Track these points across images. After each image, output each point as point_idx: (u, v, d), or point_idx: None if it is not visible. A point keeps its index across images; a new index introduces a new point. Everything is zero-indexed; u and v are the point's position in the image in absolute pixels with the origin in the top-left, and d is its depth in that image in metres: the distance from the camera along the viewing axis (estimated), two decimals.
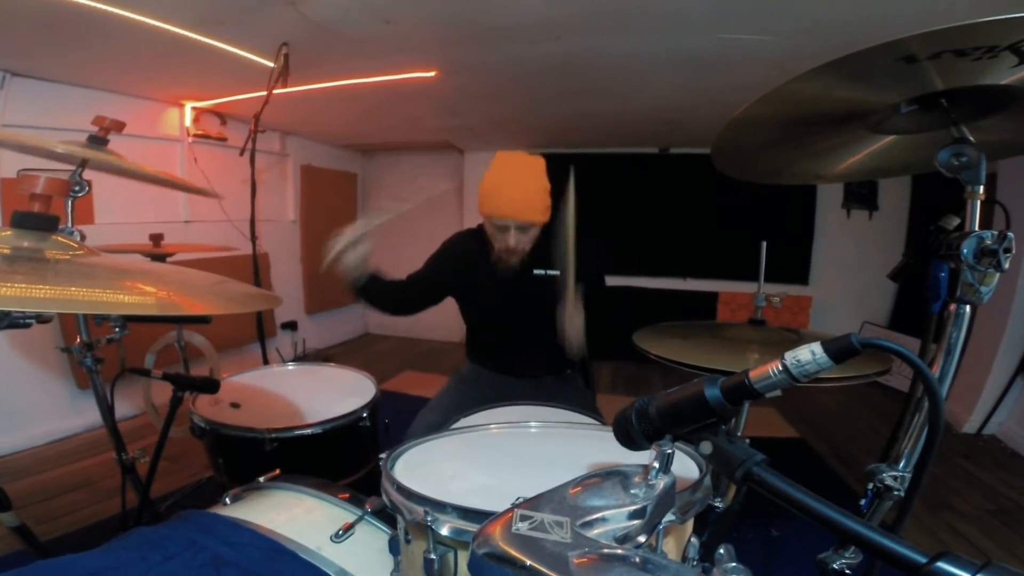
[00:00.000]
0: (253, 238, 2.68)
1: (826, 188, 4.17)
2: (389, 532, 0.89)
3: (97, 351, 1.41)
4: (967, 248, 0.70)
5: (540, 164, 1.57)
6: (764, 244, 1.39)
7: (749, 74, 2.26)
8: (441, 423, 1.44)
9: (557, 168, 1.58)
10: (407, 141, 4.75)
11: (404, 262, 1.69)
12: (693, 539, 0.76)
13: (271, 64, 2.28)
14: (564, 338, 1.45)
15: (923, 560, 0.39)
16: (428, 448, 0.98)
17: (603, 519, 0.50)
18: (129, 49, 2.19)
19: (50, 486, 2.19)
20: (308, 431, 1.36)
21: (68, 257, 0.81)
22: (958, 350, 0.75)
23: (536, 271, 1.63)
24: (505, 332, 1.71)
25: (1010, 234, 0.69)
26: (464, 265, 1.68)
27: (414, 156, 5.13)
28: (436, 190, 1.51)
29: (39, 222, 0.82)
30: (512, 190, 1.51)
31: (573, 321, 1.44)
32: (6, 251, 0.77)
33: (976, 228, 0.72)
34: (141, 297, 0.75)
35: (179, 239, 2.67)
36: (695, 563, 0.74)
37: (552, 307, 1.63)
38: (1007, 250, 0.69)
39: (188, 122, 3.31)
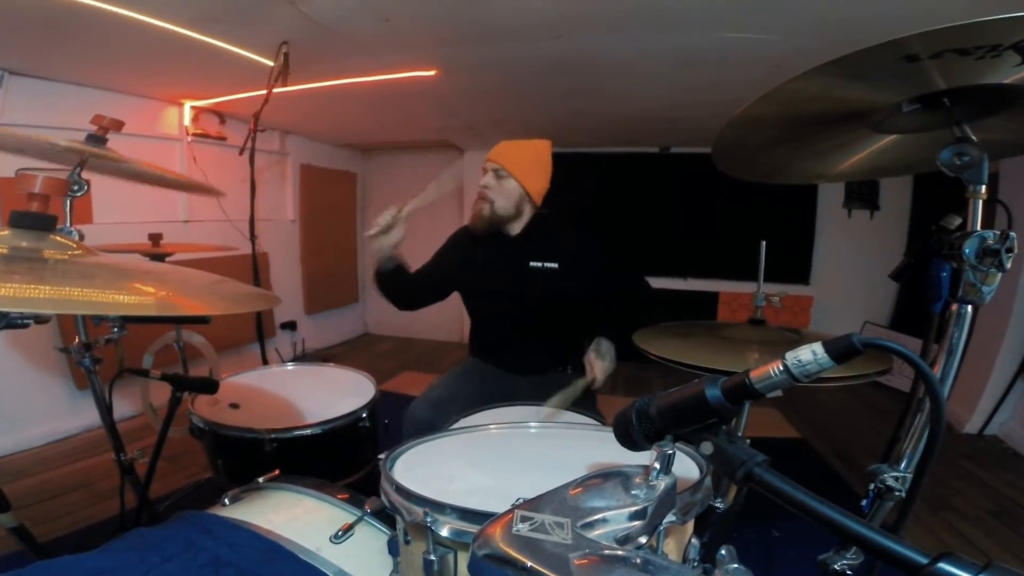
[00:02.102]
0: (252, 238, 2.68)
1: (827, 187, 4.16)
2: (388, 533, 0.89)
3: (95, 351, 1.41)
4: (969, 248, 0.70)
5: (544, 144, 1.67)
6: (763, 244, 1.39)
7: (750, 73, 2.25)
8: (437, 410, 1.47)
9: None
10: (407, 140, 4.75)
11: (406, 259, 1.69)
12: (694, 540, 0.76)
13: (271, 63, 2.28)
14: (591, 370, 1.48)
15: (924, 561, 0.39)
16: (427, 449, 0.97)
17: (604, 520, 0.50)
18: (128, 48, 2.19)
19: (48, 487, 2.19)
20: (307, 431, 1.36)
21: (66, 257, 0.81)
22: (960, 350, 0.75)
23: (533, 263, 1.63)
24: (503, 325, 1.72)
25: (1012, 234, 0.69)
26: (465, 257, 1.70)
27: (414, 155, 5.12)
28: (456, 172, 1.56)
29: (37, 222, 0.82)
30: (505, 145, 1.64)
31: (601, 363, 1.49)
32: (4, 251, 0.76)
33: (978, 228, 0.72)
34: (140, 297, 0.75)
35: (178, 239, 2.66)
36: (696, 564, 0.74)
37: (549, 300, 1.63)
38: (1009, 250, 0.69)
39: (187, 121, 3.30)
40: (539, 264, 1.63)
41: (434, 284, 1.73)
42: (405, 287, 1.65)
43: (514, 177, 1.59)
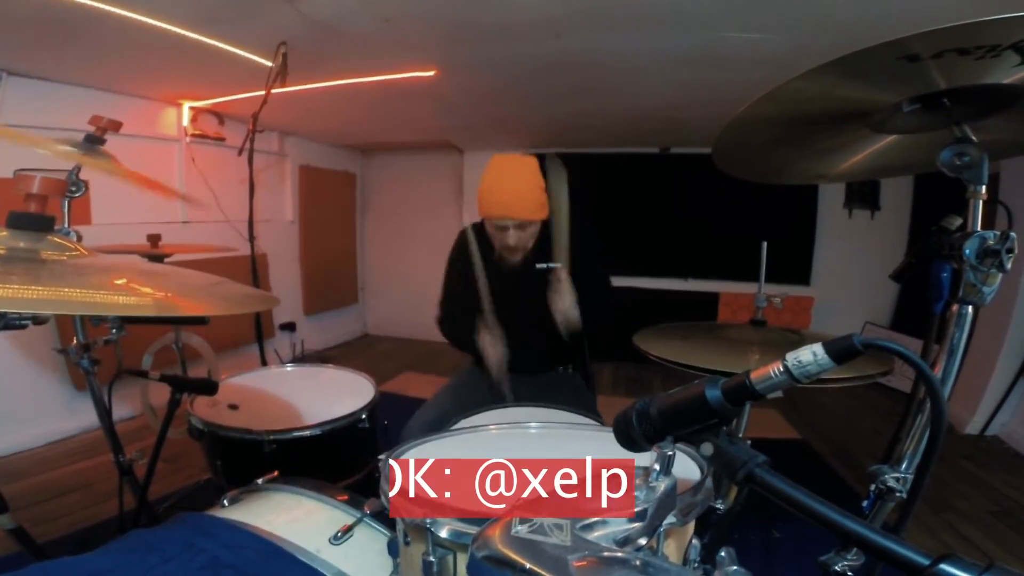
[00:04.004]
0: (251, 238, 2.68)
1: (828, 188, 4.16)
2: (388, 534, 0.88)
3: (94, 352, 1.41)
4: (969, 248, 0.70)
5: (533, 163, 1.62)
6: (764, 244, 1.39)
7: (750, 73, 2.25)
8: (437, 422, 1.45)
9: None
10: (406, 141, 4.75)
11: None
12: (694, 541, 0.75)
13: (269, 63, 2.28)
14: (557, 313, 1.53)
15: (926, 562, 0.38)
16: (427, 450, 0.97)
17: (603, 522, 0.50)
18: (126, 48, 2.19)
19: (47, 488, 2.18)
20: (307, 433, 1.36)
21: (64, 258, 0.80)
22: (960, 351, 0.75)
23: (538, 265, 1.65)
24: (506, 324, 1.71)
25: (1012, 234, 0.68)
26: (469, 259, 1.70)
27: (413, 156, 5.12)
28: None
29: (35, 223, 0.82)
30: (507, 191, 1.57)
31: (563, 297, 1.54)
32: (2, 252, 0.76)
33: (979, 228, 0.72)
34: (139, 298, 0.74)
35: (177, 240, 2.66)
36: (696, 565, 0.74)
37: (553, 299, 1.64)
38: (1009, 250, 0.68)
39: (186, 122, 3.30)
40: (543, 266, 1.65)
41: (467, 298, 1.74)
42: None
43: (533, 221, 1.60)
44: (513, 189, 1.58)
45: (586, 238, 1.70)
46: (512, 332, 1.69)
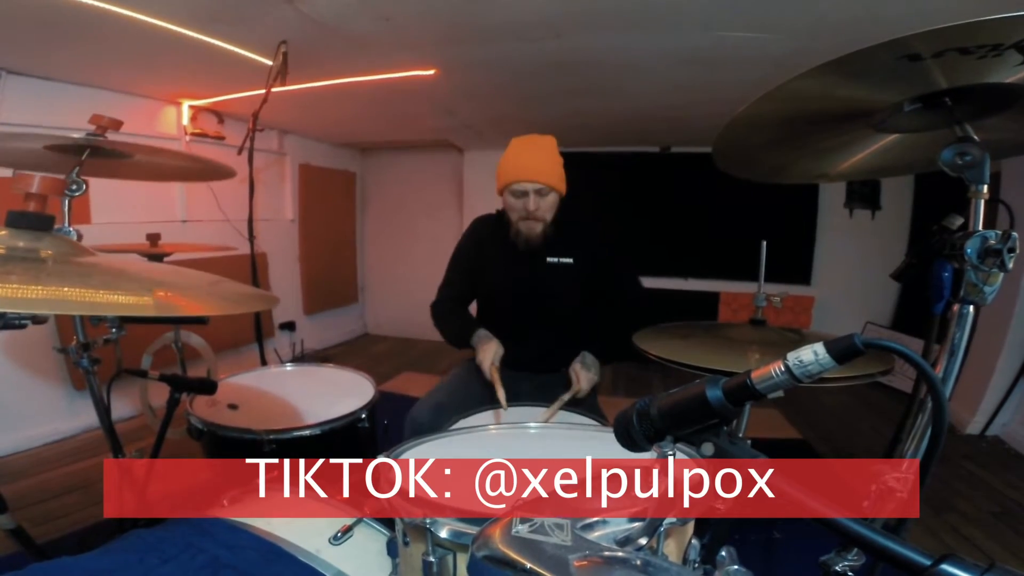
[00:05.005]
0: (251, 238, 2.68)
1: (828, 187, 4.16)
2: (387, 534, 0.88)
3: (94, 352, 1.40)
4: (971, 248, 0.70)
5: (552, 140, 1.65)
6: (764, 244, 1.38)
7: (751, 72, 2.25)
8: (438, 413, 1.46)
9: None
10: (406, 140, 4.74)
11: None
12: (694, 541, 0.75)
13: (269, 62, 2.28)
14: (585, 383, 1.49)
15: (927, 562, 0.38)
16: (426, 450, 0.97)
17: (604, 521, 0.50)
18: (126, 47, 2.19)
19: (47, 488, 2.18)
20: (306, 432, 1.36)
21: (64, 257, 0.80)
22: (961, 351, 0.75)
23: (550, 259, 1.64)
24: (516, 321, 1.70)
25: (1014, 234, 0.68)
26: (481, 248, 1.70)
27: (413, 155, 5.12)
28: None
29: (34, 222, 0.81)
30: (528, 157, 1.59)
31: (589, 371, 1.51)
32: (1, 251, 0.76)
33: (980, 228, 0.72)
34: (138, 297, 0.74)
35: (176, 239, 2.65)
36: (696, 565, 0.74)
37: (563, 296, 1.63)
38: (1011, 250, 0.68)
39: (185, 120, 3.29)
40: (555, 260, 1.64)
41: (469, 288, 1.75)
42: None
43: (554, 189, 1.59)
44: (534, 155, 1.58)
45: (620, 238, 1.71)
46: (519, 328, 1.68)
